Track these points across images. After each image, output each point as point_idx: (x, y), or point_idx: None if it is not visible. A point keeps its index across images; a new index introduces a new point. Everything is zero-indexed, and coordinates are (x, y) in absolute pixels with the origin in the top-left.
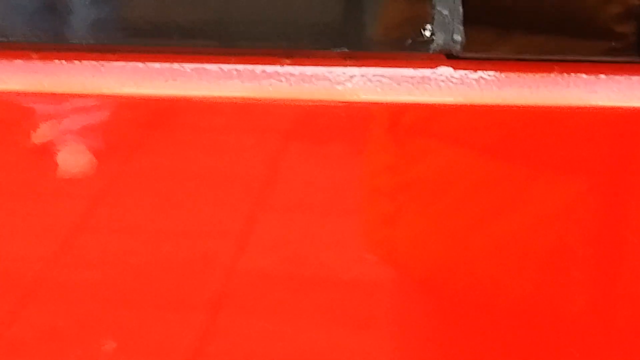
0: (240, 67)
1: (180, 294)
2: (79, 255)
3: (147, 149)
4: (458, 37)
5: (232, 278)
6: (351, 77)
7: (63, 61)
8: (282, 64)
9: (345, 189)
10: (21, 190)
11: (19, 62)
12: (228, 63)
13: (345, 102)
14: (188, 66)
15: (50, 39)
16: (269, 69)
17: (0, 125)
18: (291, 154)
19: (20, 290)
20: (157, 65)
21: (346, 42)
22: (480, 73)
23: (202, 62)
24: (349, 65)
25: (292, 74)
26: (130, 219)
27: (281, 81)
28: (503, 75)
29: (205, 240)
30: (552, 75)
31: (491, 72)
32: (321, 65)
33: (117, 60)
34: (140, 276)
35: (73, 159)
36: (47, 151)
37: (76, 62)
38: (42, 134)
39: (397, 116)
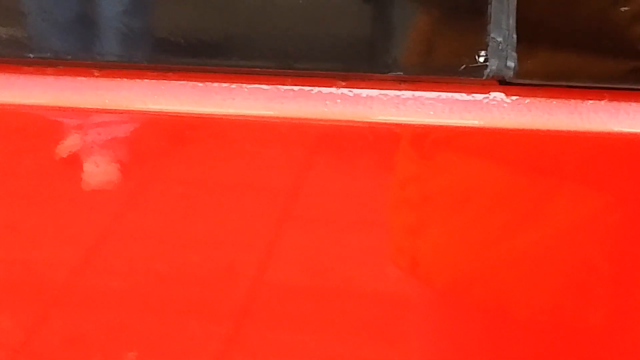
0: (296, 88)
1: (204, 305)
2: (105, 265)
3: (176, 167)
4: (511, 64)
5: (256, 290)
6: (405, 100)
7: (124, 79)
8: (337, 86)
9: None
10: (48, 201)
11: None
12: (284, 84)
13: (398, 125)
14: (245, 86)
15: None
16: (325, 90)
17: (39, 138)
18: (341, 172)
19: (46, 299)
20: (215, 84)
21: (401, 66)
22: (531, 99)
23: (259, 82)
24: (404, 89)
25: (347, 96)
26: (156, 230)
27: (336, 103)
28: (554, 101)
29: (230, 252)
30: (603, 102)
31: (542, 99)
32: (376, 88)
33: (175, 79)
34: (165, 287)
35: (99, 171)
36: (73, 163)
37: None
38: (69, 146)
39: (448, 139)
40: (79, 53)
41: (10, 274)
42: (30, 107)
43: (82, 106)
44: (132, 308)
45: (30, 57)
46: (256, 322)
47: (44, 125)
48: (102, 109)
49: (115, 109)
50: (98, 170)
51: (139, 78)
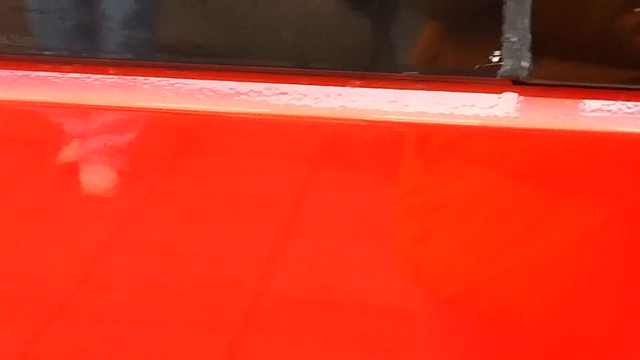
0: (312, 87)
1: (206, 316)
2: (106, 276)
3: (182, 169)
4: (526, 64)
5: (259, 301)
6: (419, 99)
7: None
8: (352, 86)
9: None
10: (49, 209)
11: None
12: (300, 83)
13: (412, 124)
14: (260, 86)
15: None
16: (340, 90)
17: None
18: (354, 172)
19: (47, 310)
20: (229, 83)
21: (416, 65)
22: (545, 99)
23: (275, 81)
24: (418, 89)
25: (361, 96)
26: (158, 240)
27: (352, 102)
28: (568, 102)
29: (233, 263)
30: (618, 103)
31: (556, 99)
32: (391, 87)
33: (191, 77)
34: (167, 298)
35: (100, 178)
36: (73, 171)
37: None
38: (80, 146)
39: (459, 143)
40: (94, 51)
41: (13, 284)
42: (46, 104)
43: (97, 104)
44: (134, 318)
45: (46, 54)
46: (259, 334)
47: (59, 122)
48: (117, 107)
49: (130, 107)
50: (106, 173)
51: (154, 76)
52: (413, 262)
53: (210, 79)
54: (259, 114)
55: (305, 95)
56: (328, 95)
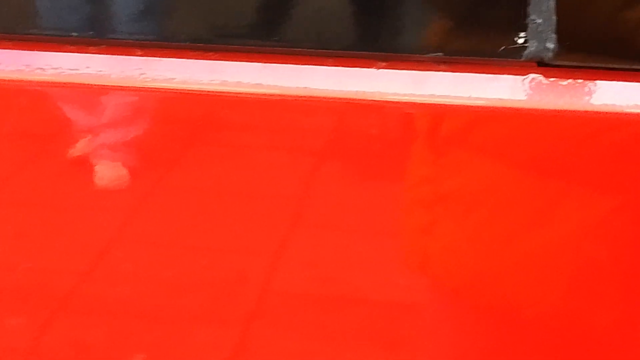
0: (336, 68)
1: (212, 310)
2: (112, 269)
3: (191, 158)
4: (550, 45)
5: (265, 295)
6: (443, 81)
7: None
8: (377, 67)
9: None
10: (56, 202)
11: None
12: (325, 65)
13: (436, 106)
14: (286, 67)
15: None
16: (364, 71)
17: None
18: (378, 153)
19: (53, 303)
20: (257, 65)
21: (441, 47)
22: (570, 81)
23: (300, 62)
24: (443, 70)
25: (385, 77)
26: (164, 233)
27: (376, 83)
28: (593, 83)
29: (239, 257)
30: None
31: (581, 80)
32: (415, 69)
33: (216, 59)
34: (173, 291)
35: (108, 172)
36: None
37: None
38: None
39: (480, 125)
40: (121, 32)
41: (20, 278)
42: (73, 85)
43: (123, 85)
44: (141, 311)
45: (74, 35)
46: (265, 328)
47: (91, 102)
48: (143, 88)
49: (156, 88)
50: (115, 170)
51: (180, 57)
52: (420, 252)
53: (233, 61)
54: (281, 96)
55: (329, 77)
56: (352, 77)
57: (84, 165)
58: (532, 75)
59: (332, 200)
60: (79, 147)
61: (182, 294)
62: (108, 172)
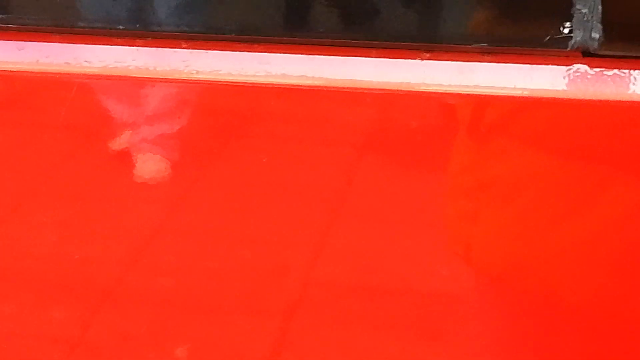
0: (380, 60)
1: (254, 300)
2: (156, 260)
3: (233, 148)
4: (596, 35)
5: (308, 285)
6: (488, 71)
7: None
8: (422, 58)
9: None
10: (100, 194)
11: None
12: (369, 56)
13: (481, 96)
14: (331, 58)
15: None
16: (409, 62)
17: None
18: (424, 144)
19: (97, 295)
20: (301, 57)
21: (485, 37)
22: (615, 71)
23: (344, 54)
24: (488, 61)
25: (430, 67)
26: (206, 226)
27: (421, 74)
28: (639, 73)
29: (281, 248)
30: None
31: (627, 70)
32: (460, 60)
33: (260, 51)
34: (215, 282)
35: (152, 164)
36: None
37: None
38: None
39: (524, 114)
40: (166, 25)
41: (62, 268)
42: (119, 77)
43: (169, 77)
44: (183, 302)
45: (120, 28)
46: (308, 318)
47: (136, 95)
48: (190, 80)
49: (201, 80)
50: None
51: (226, 49)
52: (463, 241)
53: (278, 53)
54: (325, 87)
55: (373, 69)
56: (396, 68)
57: (128, 157)
58: (577, 65)
59: (375, 190)
60: (124, 140)
61: (224, 285)
62: (152, 165)
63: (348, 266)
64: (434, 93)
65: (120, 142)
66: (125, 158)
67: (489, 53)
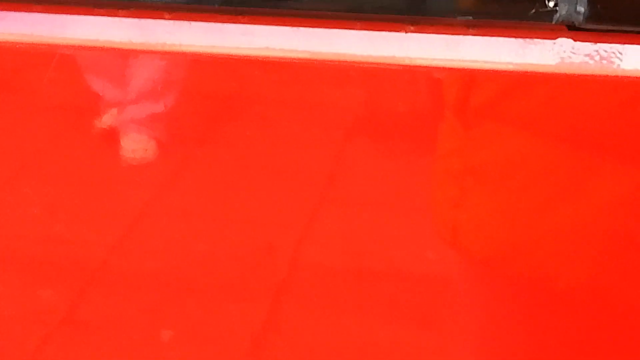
0: (364, 32)
1: (241, 284)
2: (142, 243)
3: (219, 128)
4: (581, 9)
5: (295, 269)
6: (473, 45)
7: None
8: (406, 31)
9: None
10: (86, 175)
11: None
12: (353, 28)
13: (465, 70)
14: (314, 30)
15: None
16: (394, 34)
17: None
18: (407, 116)
19: (83, 276)
20: (283, 28)
21: (470, 10)
22: (600, 45)
23: (328, 26)
24: (472, 34)
25: (414, 40)
26: (193, 207)
27: (405, 47)
28: (624, 47)
29: (268, 230)
30: None
31: (612, 44)
32: (444, 33)
33: (245, 22)
34: (202, 264)
35: (137, 143)
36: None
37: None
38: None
39: (516, 86)
40: None
41: (49, 251)
42: (103, 48)
43: (150, 48)
44: (170, 286)
45: None
46: (295, 302)
47: (119, 68)
48: (173, 52)
49: (184, 52)
50: (144, 140)
51: (209, 21)
52: (451, 225)
53: (262, 24)
54: (309, 60)
55: (358, 41)
56: (381, 41)
57: (111, 134)
58: (562, 39)
59: (361, 171)
60: (107, 115)
61: (211, 268)
62: (136, 144)
63: (336, 250)
64: (419, 66)
65: (103, 118)
66: (108, 134)
67: (474, 26)
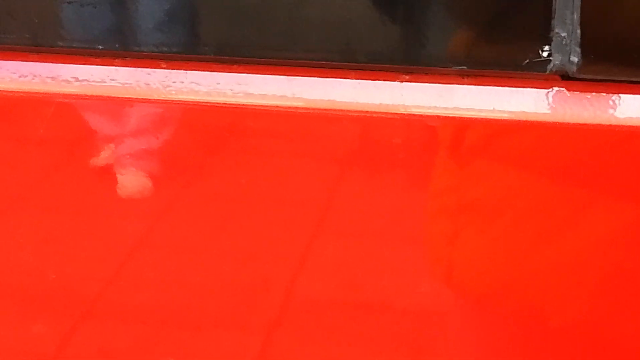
0: (359, 81)
1: (235, 317)
2: (136, 277)
3: (212, 166)
4: (575, 59)
5: (288, 303)
6: (467, 94)
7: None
8: (401, 80)
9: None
10: (81, 211)
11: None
12: (348, 77)
13: (459, 118)
14: (309, 79)
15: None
16: (388, 84)
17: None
18: (401, 166)
19: (77, 310)
20: (280, 78)
21: (464, 60)
22: (594, 94)
23: (323, 75)
24: (467, 84)
25: (409, 89)
26: (188, 240)
27: (400, 96)
28: (617, 97)
29: (263, 263)
30: None
31: (605, 94)
32: (438, 82)
33: (241, 72)
34: (197, 298)
35: (132, 181)
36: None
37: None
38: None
39: (504, 135)
40: (146, 45)
41: (44, 283)
42: (100, 97)
43: (147, 97)
44: (165, 317)
45: (99, 48)
46: (289, 334)
47: (116, 114)
48: (169, 100)
49: (181, 100)
50: (139, 180)
51: (205, 69)
52: (445, 261)
53: (257, 73)
54: (304, 108)
55: (353, 90)
56: (375, 90)
57: (107, 178)
58: (556, 89)
59: (356, 210)
60: (102, 160)
61: (205, 301)
62: (130, 186)
63: (330, 284)
64: (413, 115)
65: (98, 162)
66: (103, 178)
67: (468, 75)
